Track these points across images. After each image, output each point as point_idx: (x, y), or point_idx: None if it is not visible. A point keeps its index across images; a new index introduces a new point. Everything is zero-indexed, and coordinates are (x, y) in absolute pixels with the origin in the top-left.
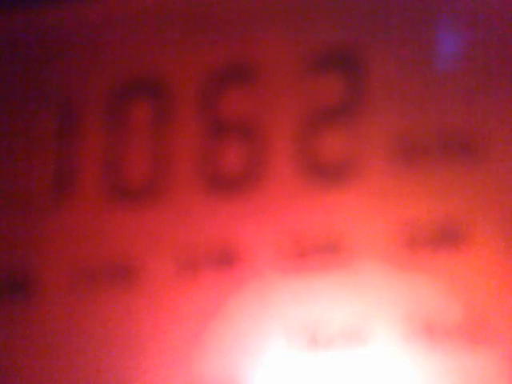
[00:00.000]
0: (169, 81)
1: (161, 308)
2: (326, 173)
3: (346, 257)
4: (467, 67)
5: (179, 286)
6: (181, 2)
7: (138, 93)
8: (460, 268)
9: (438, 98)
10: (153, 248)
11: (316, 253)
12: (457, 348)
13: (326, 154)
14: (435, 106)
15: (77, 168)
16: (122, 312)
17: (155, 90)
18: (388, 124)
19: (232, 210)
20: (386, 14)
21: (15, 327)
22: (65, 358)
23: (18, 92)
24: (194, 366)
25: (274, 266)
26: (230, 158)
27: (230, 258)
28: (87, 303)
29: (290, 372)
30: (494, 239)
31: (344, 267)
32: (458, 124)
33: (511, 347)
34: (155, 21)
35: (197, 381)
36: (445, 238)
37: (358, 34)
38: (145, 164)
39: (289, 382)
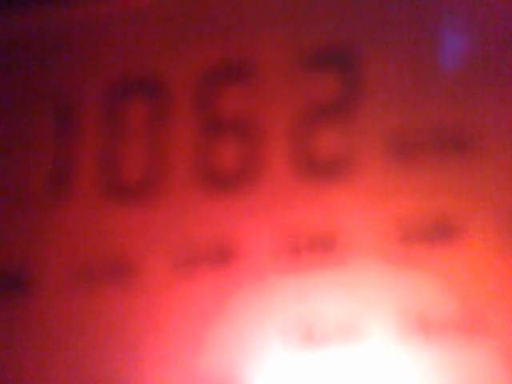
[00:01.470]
0: (165, 79)
1: (158, 305)
2: (321, 170)
3: (342, 253)
4: (463, 65)
5: (176, 283)
6: (178, 2)
7: (135, 91)
8: (455, 263)
9: (432, 96)
10: (150, 246)
11: (312, 250)
12: (453, 343)
13: (321, 151)
14: (430, 104)
15: (74, 166)
16: (120, 309)
17: (152, 89)
18: (383, 121)
19: (228, 207)
20: (382, 11)
21: (13, 325)
22: (63, 356)
23: (16, 91)
24: (191, 363)
25: (271, 263)
26: (227, 156)
27: (227, 256)
28: (85, 301)
29: (286, 368)
30: (489, 235)
31: (340, 264)
32: (453, 121)
33: (507, 341)
34: (152, 20)
35: (194, 377)
36: (439, 233)
37: (354, 32)
38: (142, 162)
39: (285, 379)
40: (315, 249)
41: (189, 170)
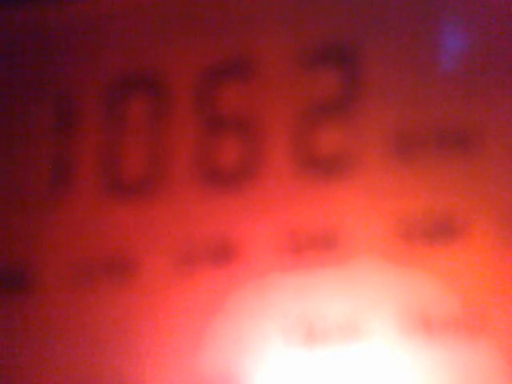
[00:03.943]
0: (166, 76)
1: (158, 303)
2: (322, 168)
3: (343, 251)
4: (464, 62)
5: (177, 281)
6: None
7: (136, 88)
8: (457, 261)
9: (434, 93)
10: (150, 243)
11: (313, 247)
12: (454, 341)
13: (322, 149)
14: (431, 101)
15: (74, 163)
16: (120, 307)
17: (152, 86)
18: (384, 119)
19: (229, 205)
20: (382, 9)
21: (13, 323)
22: (63, 354)
23: (16, 88)
24: (192, 361)
25: (271, 260)
26: (227, 154)
27: (228, 253)
28: (85, 299)
29: (287, 367)
30: (491, 233)
31: (341, 262)
32: (455, 118)
33: (508, 340)
34: (152, 17)
35: (194, 375)
36: (441, 231)
37: (355, 30)
38: (142, 159)
39: (286, 377)
40: (316, 247)
41: (189, 168)
